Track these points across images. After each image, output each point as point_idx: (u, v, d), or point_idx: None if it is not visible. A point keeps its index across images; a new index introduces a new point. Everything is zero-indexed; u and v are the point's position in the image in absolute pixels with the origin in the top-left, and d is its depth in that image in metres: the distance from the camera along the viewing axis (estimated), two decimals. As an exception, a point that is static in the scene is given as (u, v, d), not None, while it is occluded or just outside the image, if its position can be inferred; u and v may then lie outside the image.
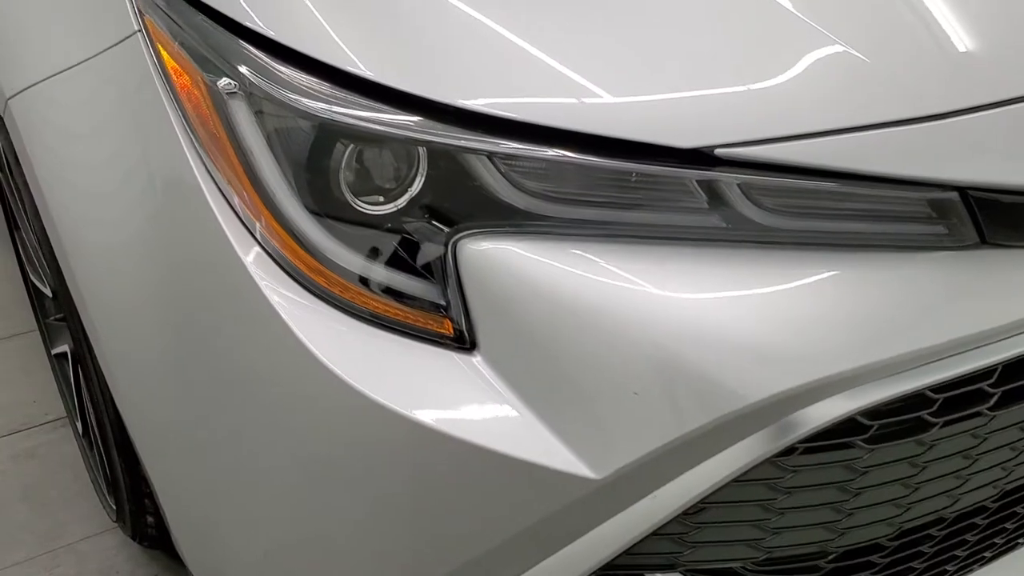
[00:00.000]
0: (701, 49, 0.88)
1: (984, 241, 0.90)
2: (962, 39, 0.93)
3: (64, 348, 1.54)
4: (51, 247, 1.13)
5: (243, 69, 0.86)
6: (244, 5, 0.88)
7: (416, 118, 0.83)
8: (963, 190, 0.89)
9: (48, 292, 1.51)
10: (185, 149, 0.91)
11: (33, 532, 1.57)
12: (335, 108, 0.83)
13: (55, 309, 1.61)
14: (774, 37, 0.90)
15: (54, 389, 1.75)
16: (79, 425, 1.57)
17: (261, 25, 0.86)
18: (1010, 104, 0.91)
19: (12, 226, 1.69)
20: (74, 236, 1.04)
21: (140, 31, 0.95)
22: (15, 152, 1.15)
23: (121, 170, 0.97)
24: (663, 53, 0.87)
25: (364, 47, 0.85)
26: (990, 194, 0.89)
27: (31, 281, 1.68)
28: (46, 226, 1.11)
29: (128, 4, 0.96)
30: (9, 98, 1.05)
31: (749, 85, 0.86)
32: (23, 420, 1.78)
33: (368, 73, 0.83)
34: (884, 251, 0.89)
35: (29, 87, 1.03)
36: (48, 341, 1.69)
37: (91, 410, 1.36)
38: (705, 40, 0.89)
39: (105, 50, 0.98)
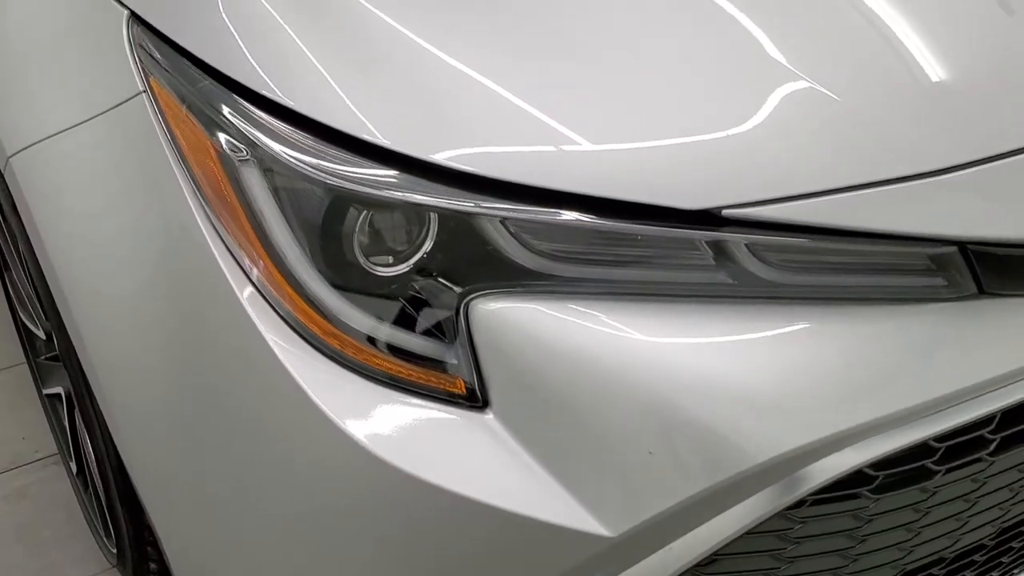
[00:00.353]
0: (704, 109, 0.89)
1: (982, 291, 0.93)
2: (957, 94, 0.95)
3: (58, 389, 1.54)
4: (49, 293, 1.13)
5: (256, 136, 0.87)
6: (261, 73, 0.88)
7: (430, 184, 0.84)
8: (962, 244, 0.91)
9: (40, 334, 1.51)
10: (193, 210, 0.91)
11: (27, 573, 1.57)
12: (350, 177, 0.84)
13: (46, 348, 1.61)
14: (772, 94, 0.91)
15: (43, 425, 1.74)
16: (73, 465, 1.56)
17: (279, 94, 0.87)
18: (1007, 157, 0.93)
19: (2, 266, 1.68)
20: (77, 290, 1.03)
21: (145, 92, 0.95)
22: (13, 203, 1.14)
23: (126, 227, 0.97)
24: (664, 110, 0.89)
25: (379, 114, 0.85)
26: (988, 247, 0.92)
27: (20, 319, 1.67)
28: (46, 276, 1.11)
29: (132, 64, 0.96)
30: (11, 156, 1.05)
31: (752, 144, 0.88)
32: (12, 458, 1.77)
33: (384, 141, 0.84)
34: (887, 304, 0.91)
35: (31, 145, 1.03)
36: (39, 380, 1.68)
37: (91, 456, 1.36)
38: (705, 98, 0.90)
39: (109, 110, 0.98)
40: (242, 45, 0.90)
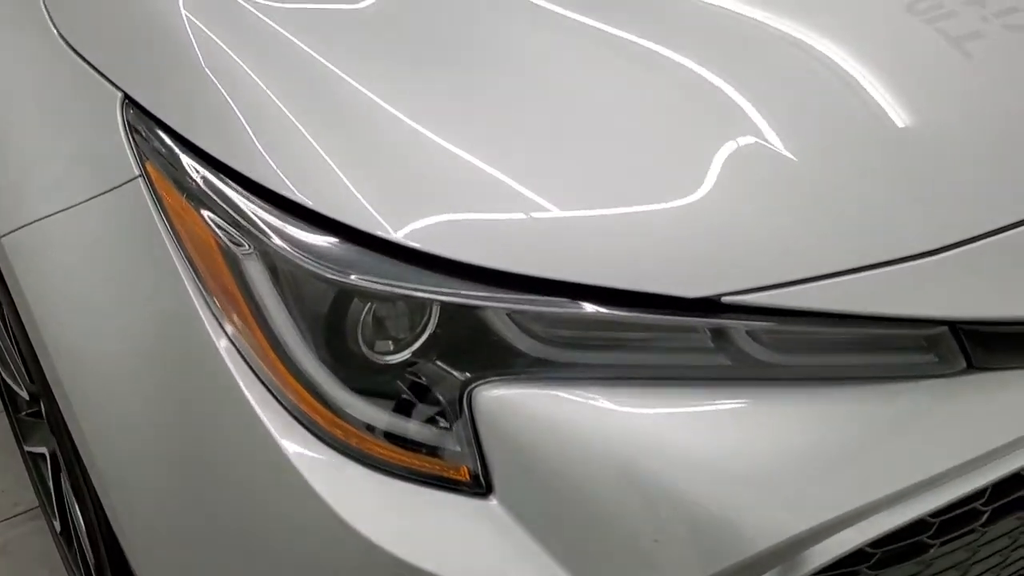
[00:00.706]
0: (695, 193, 0.90)
1: (971, 366, 0.95)
2: (940, 170, 0.98)
3: (42, 450, 1.52)
4: (37, 363, 1.12)
5: (260, 229, 0.87)
6: (276, 170, 0.88)
7: (435, 275, 0.85)
8: (952, 323, 0.93)
9: (23, 394, 1.49)
10: (192, 296, 0.91)
11: (10, 633, 1.55)
12: (355, 273, 0.84)
13: (28, 406, 1.59)
14: (761, 177, 0.93)
15: (22, 478, 1.72)
16: (57, 524, 1.54)
17: (296, 192, 0.86)
18: (996, 234, 0.95)
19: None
20: (71, 370, 1.03)
21: (141, 176, 0.95)
22: (3, 279, 1.13)
23: (122, 311, 0.97)
24: (657, 197, 0.90)
25: (387, 208, 0.86)
26: (978, 326, 0.94)
27: (0, 376, 1.65)
28: (36, 352, 1.10)
29: (127, 148, 0.96)
30: (2, 236, 1.04)
31: (746, 229, 0.89)
32: (-9, 512, 1.75)
33: (395, 236, 0.84)
34: (881, 383, 0.92)
35: (23, 226, 1.02)
36: (20, 436, 1.66)
37: (78, 518, 1.35)
38: (695, 181, 0.91)
39: (103, 193, 0.97)
40: (255, 138, 0.90)
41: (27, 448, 1.62)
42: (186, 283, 0.92)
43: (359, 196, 0.86)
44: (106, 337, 0.98)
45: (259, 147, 0.89)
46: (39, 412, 1.45)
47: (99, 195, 0.98)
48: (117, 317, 0.97)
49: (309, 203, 0.86)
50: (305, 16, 1.02)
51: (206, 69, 0.95)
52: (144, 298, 0.96)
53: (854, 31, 1.09)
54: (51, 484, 1.50)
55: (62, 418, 1.11)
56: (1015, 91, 1.07)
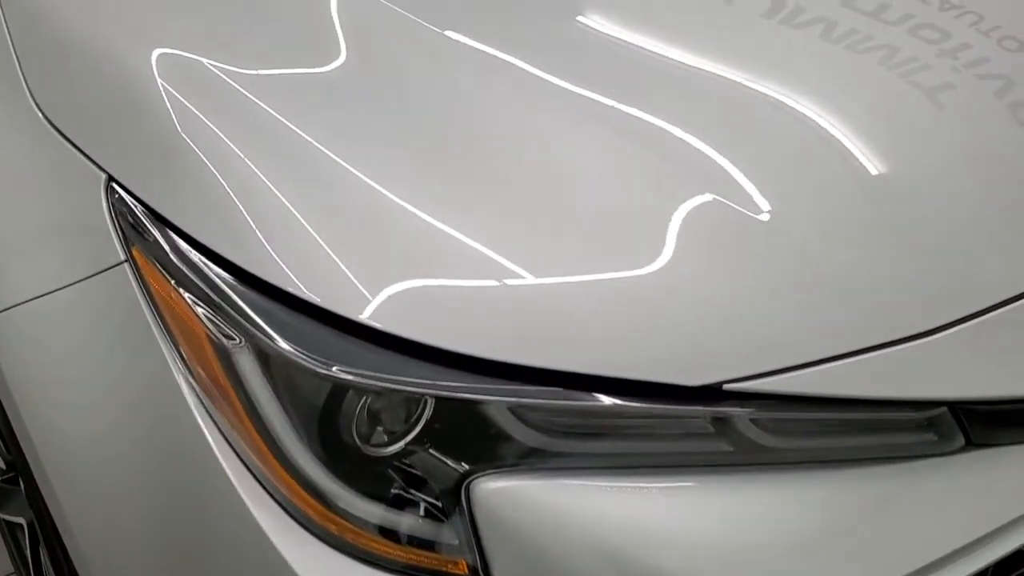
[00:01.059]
0: (692, 276, 0.89)
1: (969, 443, 0.94)
2: (942, 246, 0.97)
3: (19, 520, 1.48)
4: (17, 444, 1.09)
5: (253, 322, 0.84)
6: (282, 264, 0.85)
7: (431, 367, 0.83)
8: (951, 404, 0.92)
9: (0, 463, 1.46)
10: (181, 385, 0.89)
11: None
12: (344, 366, 0.82)
13: (3, 472, 1.55)
14: (756, 259, 0.91)
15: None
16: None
17: (303, 289, 0.84)
18: (996, 309, 0.94)
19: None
20: (52, 455, 1.00)
21: (127, 261, 0.93)
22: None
23: (108, 399, 0.95)
24: (658, 283, 0.88)
25: (383, 298, 0.84)
26: (977, 405, 0.93)
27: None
28: (16, 433, 1.07)
29: (112, 232, 0.94)
30: (-17, 319, 1.01)
31: (747, 314, 0.88)
32: (-35, 577, 1.71)
33: (396, 330, 0.82)
34: (880, 464, 0.92)
35: (5, 310, 0.99)
36: (-4, 502, 1.62)
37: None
38: (692, 266, 0.90)
39: (88, 277, 0.95)
40: (255, 229, 0.87)
41: (3, 516, 1.58)
42: (174, 372, 0.90)
43: (360, 287, 0.84)
44: (90, 423, 0.96)
45: (262, 239, 0.87)
46: (16, 479, 1.41)
47: (84, 279, 0.95)
48: (101, 404, 0.95)
49: (317, 300, 0.84)
50: (283, 84, 1.01)
51: (197, 151, 0.92)
52: (130, 385, 0.93)
53: (833, 90, 1.09)
54: (28, 554, 1.46)
55: (42, 497, 1.08)
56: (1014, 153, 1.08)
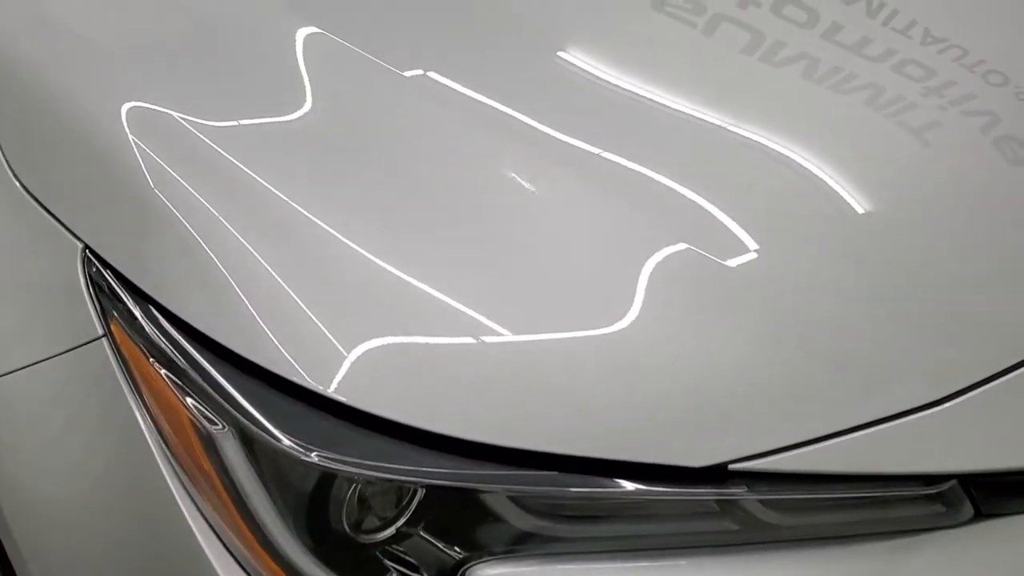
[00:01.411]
0: (697, 358, 0.86)
1: (979, 514, 0.91)
2: (944, 310, 0.95)
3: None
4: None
5: (239, 406, 0.81)
6: (271, 345, 0.81)
7: (424, 452, 0.79)
8: (961, 477, 0.89)
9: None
10: (161, 467, 0.85)
11: None
12: (336, 456, 0.79)
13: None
14: (755, 327, 0.88)
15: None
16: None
17: (306, 379, 0.79)
18: (1003, 375, 0.92)
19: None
20: (24, 533, 0.96)
21: (105, 336, 0.89)
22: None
23: (82, 476, 0.91)
24: (655, 360, 0.85)
25: (376, 382, 0.80)
26: (987, 477, 0.90)
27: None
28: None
29: (90, 305, 0.90)
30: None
31: (749, 390, 0.85)
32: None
33: (385, 412, 0.79)
34: (884, 538, 0.88)
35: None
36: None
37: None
38: (690, 338, 0.87)
39: (65, 352, 0.91)
40: (242, 306, 0.83)
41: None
42: (154, 452, 0.86)
43: (347, 367, 0.80)
44: (65, 501, 0.92)
45: (248, 315, 0.82)
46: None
47: (60, 354, 0.91)
48: (76, 483, 0.91)
49: (320, 388, 0.79)
50: (256, 136, 0.97)
51: (184, 222, 0.88)
52: (107, 464, 0.89)
53: (820, 134, 1.07)
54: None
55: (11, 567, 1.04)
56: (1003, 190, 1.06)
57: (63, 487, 0.91)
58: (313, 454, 0.78)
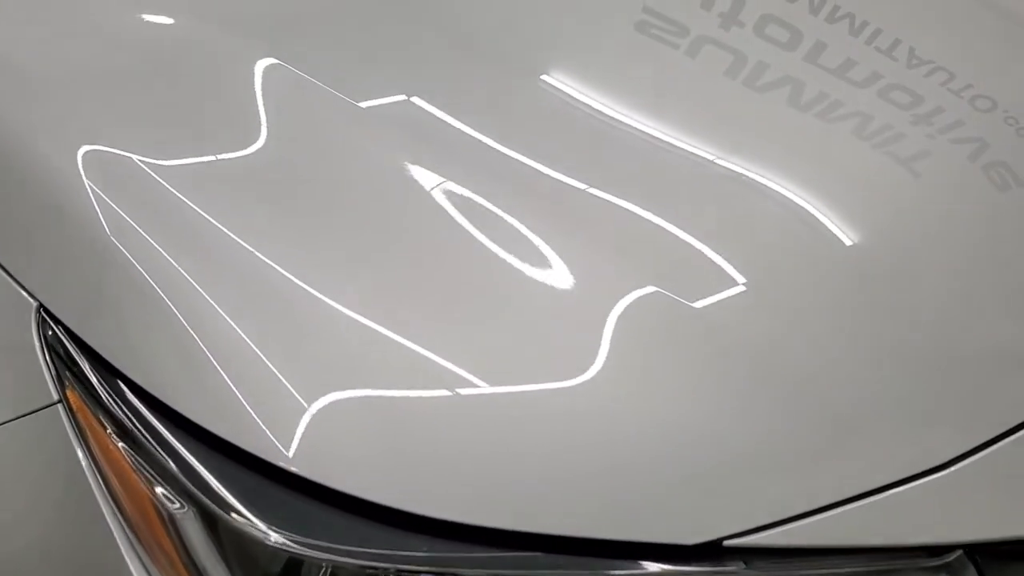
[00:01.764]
0: (689, 429, 0.81)
1: None
2: (940, 366, 0.92)
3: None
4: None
5: (201, 485, 0.75)
6: (264, 427, 0.76)
7: (403, 536, 0.74)
8: (967, 547, 0.85)
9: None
10: (120, 544, 0.80)
11: None
12: (303, 539, 0.73)
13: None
14: (747, 390, 0.84)
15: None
16: None
17: (287, 456, 0.74)
18: (1011, 435, 0.88)
19: None
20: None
21: (61, 403, 0.84)
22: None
23: (33, 547, 0.86)
24: (642, 432, 0.80)
25: (342, 458, 0.75)
26: (994, 546, 0.86)
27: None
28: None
29: (45, 369, 0.85)
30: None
31: (744, 460, 0.81)
32: None
33: (365, 494, 0.74)
34: None
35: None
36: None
37: None
38: (682, 406, 0.82)
39: (17, 418, 0.86)
40: (222, 375, 0.77)
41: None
42: (112, 527, 0.80)
43: (325, 444, 0.75)
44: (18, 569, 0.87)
45: (229, 385, 0.77)
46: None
47: (13, 420, 0.86)
48: (27, 555, 0.86)
49: (303, 472, 0.74)
50: (216, 179, 0.91)
51: (146, 276, 0.82)
52: (62, 536, 0.84)
53: (808, 167, 1.04)
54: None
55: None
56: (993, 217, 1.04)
57: (18, 565, 0.86)
58: (280, 537, 0.73)
